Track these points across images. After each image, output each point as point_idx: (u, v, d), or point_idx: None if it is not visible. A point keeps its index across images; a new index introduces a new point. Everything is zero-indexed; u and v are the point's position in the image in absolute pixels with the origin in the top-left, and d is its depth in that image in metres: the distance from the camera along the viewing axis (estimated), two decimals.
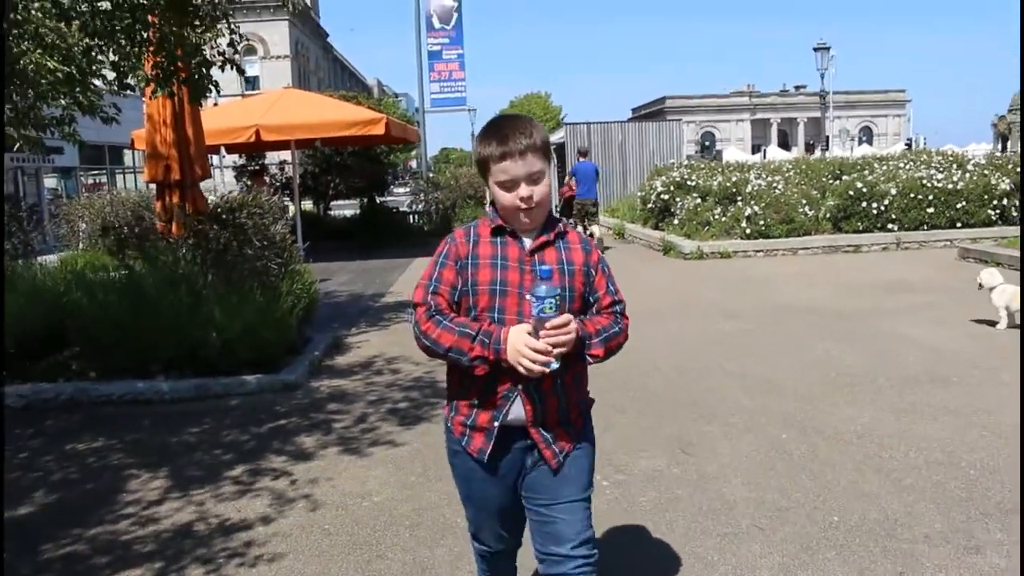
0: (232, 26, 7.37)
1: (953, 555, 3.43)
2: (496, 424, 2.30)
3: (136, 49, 7.16)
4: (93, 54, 7.25)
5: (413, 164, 48.23)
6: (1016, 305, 7.32)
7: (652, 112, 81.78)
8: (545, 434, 2.33)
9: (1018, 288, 7.36)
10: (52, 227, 18.08)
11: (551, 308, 2.11)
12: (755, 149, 69.37)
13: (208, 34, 7.20)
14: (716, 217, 15.80)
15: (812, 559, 3.46)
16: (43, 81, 9.92)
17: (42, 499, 4.49)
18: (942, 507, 3.90)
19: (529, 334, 2.15)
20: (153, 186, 17.91)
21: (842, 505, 3.98)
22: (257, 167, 20.57)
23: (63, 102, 11.68)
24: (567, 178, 18.29)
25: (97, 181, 37.87)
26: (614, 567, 3.43)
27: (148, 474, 4.79)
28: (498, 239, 2.32)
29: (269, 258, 7.15)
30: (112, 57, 7.34)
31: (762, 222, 15.13)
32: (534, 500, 2.38)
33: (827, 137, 50.23)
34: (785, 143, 78.81)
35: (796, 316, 8.70)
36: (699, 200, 16.71)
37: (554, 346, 2.12)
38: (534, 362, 2.13)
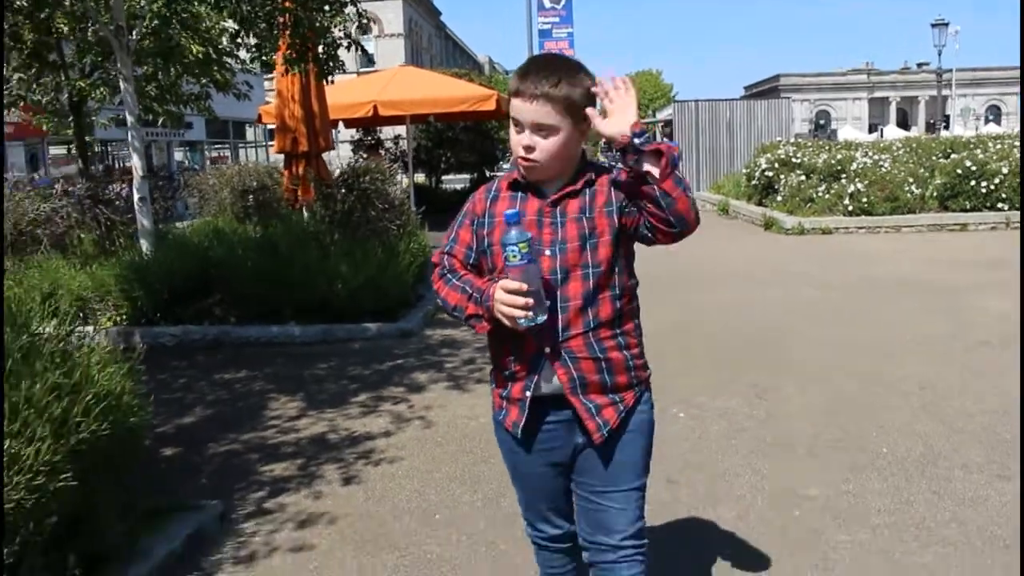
0: (360, 10, 8.12)
1: (985, 481, 3.87)
2: (528, 394, 2.11)
3: (275, 32, 7.97)
4: (238, 39, 8.07)
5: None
6: None
7: (765, 90, 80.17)
8: (587, 403, 2.10)
9: None
10: (184, 195, 19.46)
11: (515, 256, 1.93)
12: (872, 128, 67.50)
13: (338, 18, 7.94)
14: (819, 194, 15.90)
15: (856, 478, 3.96)
16: (185, 61, 10.98)
17: (201, 412, 5.34)
18: (985, 445, 4.32)
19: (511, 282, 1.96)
20: (275, 158, 19.06)
21: (893, 440, 4.44)
22: (373, 141, 21.56)
23: (202, 80, 12.80)
24: None
25: (221, 154, 39.88)
26: (680, 471, 4.01)
27: (286, 397, 5.60)
28: (518, 193, 2.13)
29: (390, 220, 7.91)
30: (252, 40, 8.16)
31: (865, 199, 15.18)
32: (583, 484, 2.21)
33: (947, 116, 48.69)
34: (904, 123, 76.24)
35: (885, 287, 8.97)
36: (803, 177, 16.82)
37: (508, 305, 1.94)
38: (511, 307, 1.95)
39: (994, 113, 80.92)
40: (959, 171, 15.39)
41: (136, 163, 8.33)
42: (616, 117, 1.95)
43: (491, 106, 15.85)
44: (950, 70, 53.07)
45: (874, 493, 3.79)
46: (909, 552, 3.25)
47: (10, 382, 2.59)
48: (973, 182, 15.22)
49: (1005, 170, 15.21)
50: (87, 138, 14.04)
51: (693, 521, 3.59)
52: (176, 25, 8.01)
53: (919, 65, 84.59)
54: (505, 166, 31.12)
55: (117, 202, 9.22)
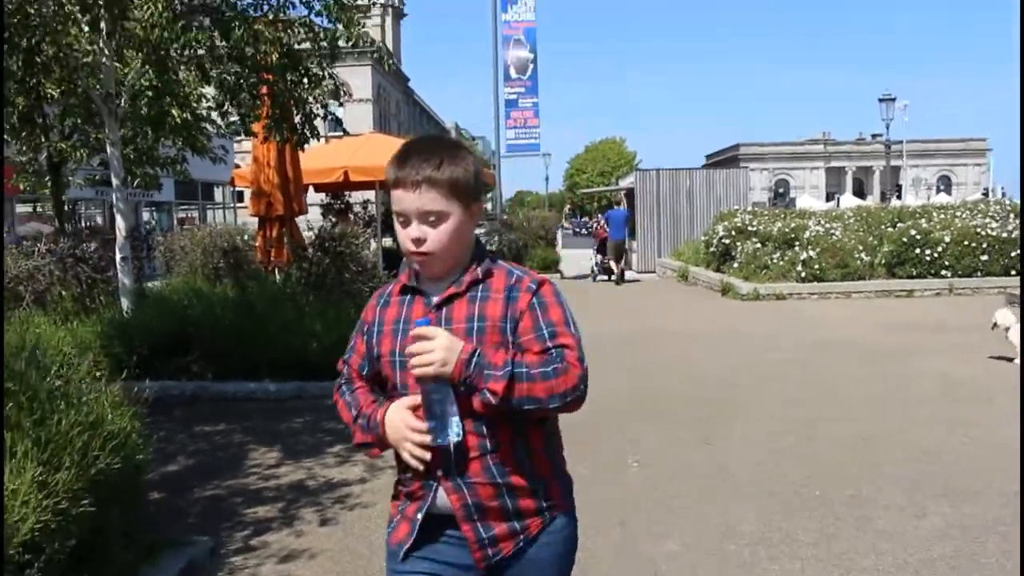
0: (337, 82, 8.65)
1: (904, 519, 4.31)
2: (419, 516, 1.89)
3: (256, 102, 8.44)
4: (224, 108, 8.53)
5: (488, 207, 50.15)
6: None
7: (726, 158, 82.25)
8: (482, 533, 1.86)
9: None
10: (155, 256, 19.71)
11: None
12: (829, 197, 69.27)
13: (317, 90, 8.44)
14: (774, 261, 16.59)
15: (788, 517, 4.37)
16: (168, 125, 11.42)
17: (184, 461, 5.64)
18: (908, 489, 4.76)
19: (412, 408, 1.82)
20: (244, 220, 19.41)
21: (826, 484, 4.88)
22: (342, 205, 22.03)
23: (178, 144, 13.25)
24: (600, 222, 21.18)
25: (188, 215, 40.15)
26: (632, 512, 4.40)
27: (265, 448, 5.92)
28: (406, 297, 1.95)
29: (363, 281, 8.32)
30: (237, 109, 8.62)
31: (817, 266, 15.88)
32: None
33: (899, 186, 50.42)
34: (860, 191, 78.45)
35: (835, 349, 9.51)
36: (759, 244, 17.52)
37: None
38: (412, 446, 1.81)
39: (945, 183, 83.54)
40: (905, 239, 16.18)
41: (120, 223, 8.70)
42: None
43: None
44: (900, 141, 55.11)
45: (804, 530, 4.21)
46: None
47: (40, 417, 2.95)
48: (918, 250, 16.00)
49: (947, 239, 16.03)
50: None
51: (643, 555, 3.98)
52: (169, 96, 8.45)
53: (873, 136, 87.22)
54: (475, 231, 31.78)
55: (100, 261, 9.54)
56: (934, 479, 4.93)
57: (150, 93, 8.27)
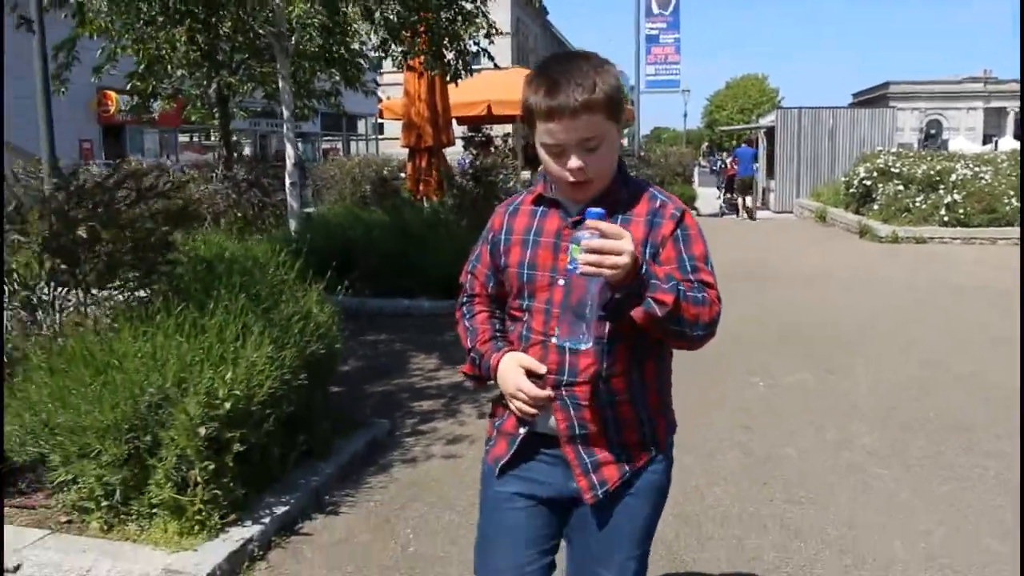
0: (490, 22, 9.15)
1: (1008, 444, 4.62)
2: (521, 431, 1.89)
3: (416, 39, 9.04)
4: (387, 45, 9.19)
5: (624, 142, 50.12)
6: None
7: (874, 98, 78.58)
8: (584, 457, 1.85)
9: None
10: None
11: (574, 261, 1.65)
12: (987, 140, 65.55)
13: (471, 28, 8.97)
14: (916, 204, 16.30)
15: (902, 436, 4.75)
16: (331, 61, 12.24)
17: (355, 364, 6.41)
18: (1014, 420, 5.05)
19: (526, 368, 1.81)
20: (385, 151, 20.31)
21: (941, 412, 5.21)
22: (483, 138, 22.69)
23: (335, 77, 14.11)
24: (730, 160, 21.95)
25: (333, 146, 41.82)
26: (754, 422, 4.87)
27: (423, 355, 6.64)
28: (539, 208, 1.90)
29: None
30: (399, 46, 9.26)
31: (962, 211, 15.54)
32: (575, 542, 1.99)
33: None
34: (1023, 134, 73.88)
35: (964, 293, 9.54)
36: (900, 187, 17.18)
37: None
38: (522, 403, 1.80)
39: None
40: None
41: (289, 151, 9.53)
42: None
43: None
44: None
45: (915, 447, 4.59)
46: (933, 485, 4.06)
47: (269, 305, 3.66)
48: None
49: None
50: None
51: (764, 455, 4.45)
52: (337, 33, 9.16)
53: None
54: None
55: (269, 186, 10.48)
56: None
57: (318, 31, 8.99)
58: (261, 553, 3.36)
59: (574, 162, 1.74)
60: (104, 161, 18.74)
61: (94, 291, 3.87)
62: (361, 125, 45.14)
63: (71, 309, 3.86)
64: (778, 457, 4.45)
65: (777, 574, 3.28)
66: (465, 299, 2.02)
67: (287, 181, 9.57)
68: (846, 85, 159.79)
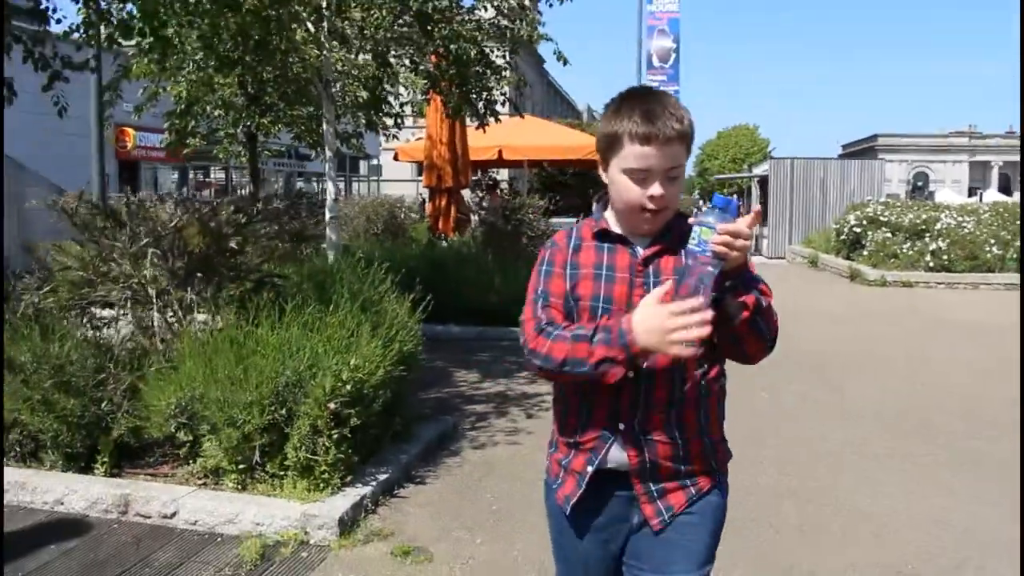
0: (520, 76, 10.07)
1: (959, 448, 5.42)
2: (590, 469, 1.90)
3: (454, 89, 9.94)
4: (426, 94, 10.09)
5: None
6: None
7: (863, 149, 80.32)
8: (651, 487, 1.90)
9: None
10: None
11: (698, 242, 1.69)
12: (972, 192, 66.97)
13: (503, 82, 9.87)
14: (903, 250, 17.24)
15: (889, 437, 5.56)
16: (349, 103, 13.16)
17: None
18: (1000, 429, 5.86)
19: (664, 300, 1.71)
20: (389, 191, 21.24)
21: (922, 423, 6.02)
22: (491, 182, 23.65)
23: (363, 120, 15.03)
24: None
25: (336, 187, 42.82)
26: (761, 429, 5.66)
27: (464, 371, 7.42)
28: (605, 244, 1.92)
29: (534, 246, 9.76)
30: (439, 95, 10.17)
31: (946, 257, 16.49)
32: (634, 568, 1.97)
33: None
34: (1007, 188, 75.45)
35: (950, 329, 10.40)
36: (889, 234, 18.14)
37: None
38: (688, 328, 1.66)
39: None
40: None
41: (330, 188, 10.35)
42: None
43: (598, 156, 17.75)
44: None
45: (879, 441, 5.40)
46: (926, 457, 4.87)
47: (376, 310, 4.46)
48: None
49: None
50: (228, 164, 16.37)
51: (754, 456, 5.25)
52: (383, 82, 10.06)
53: None
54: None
55: (306, 219, 11.30)
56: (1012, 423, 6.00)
57: (361, 81, 9.90)
58: (372, 508, 4.13)
59: (657, 189, 1.80)
60: (118, 194, 19.62)
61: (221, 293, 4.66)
62: (363, 166, 46.21)
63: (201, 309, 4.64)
64: (765, 456, 5.25)
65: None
66: (545, 325, 1.86)
67: (327, 215, 10.40)
68: (833, 135, 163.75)
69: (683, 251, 1.73)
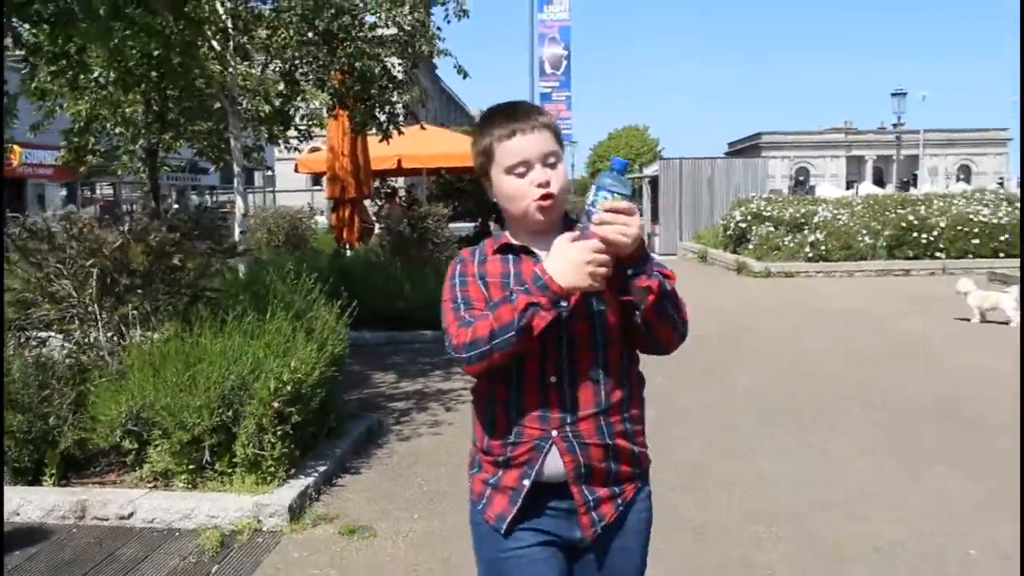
0: (422, 88, 10.53)
1: (828, 425, 6.16)
2: (526, 483, 1.85)
3: (359, 105, 10.33)
4: (333, 109, 10.45)
5: None
6: (986, 305, 9.88)
7: (748, 147, 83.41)
8: (588, 495, 1.87)
9: (986, 292, 9.92)
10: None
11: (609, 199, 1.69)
12: (849, 185, 70.22)
13: (406, 96, 10.32)
14: (785, 243, 18.37)
15: (760, 419, 6.25)
16: (251, 118, 13.41)
17: None
18: (860, 405, 6.63)
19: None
20: (281, 204, 21.35)
21: (801, 403, 6.75)
22: (389, 190, 24.00)
23: (265, 134, 15.20)
24: None
25: (229, 200, 42.42)
26: (655, 410, 6.30)
27: (381, 373, 7.85)
28: (509, 255, 1.92)
29: (441, 251, 10.23)
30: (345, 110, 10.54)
31: (823, 247, 17.66)
32: None
33: (914, 175, 51.90)
34: (880, 180, 79.44)
35: (829, 315, 11.34)
36: (771, 228, 19.28)
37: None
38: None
39: (965, 172, 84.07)
40: (904, 224, 17.91)
41: (239, 203, 10.63)
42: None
43: None
44: (917, 131, 56.49)
45: (781, 426, 6.10)
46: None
47: (306, 318, 4.87)
48: (915, 234, 17.73)
49: (943, 224, 17.74)
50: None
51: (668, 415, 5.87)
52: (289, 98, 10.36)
53: (894, 126, 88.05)
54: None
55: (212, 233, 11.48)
56: (881, 400, 6.79)
57: (264, 97, 10.18)
58: (316, 496, 4.55)
59: (538, 174, 1.82)
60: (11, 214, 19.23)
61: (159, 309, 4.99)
62: (257, 177, 45.75)
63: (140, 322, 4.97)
64: (679, 422, 5.89)
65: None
66: (467, 320, 1.81)
67: (236, 229, 10.63)
68: (723, 135, 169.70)
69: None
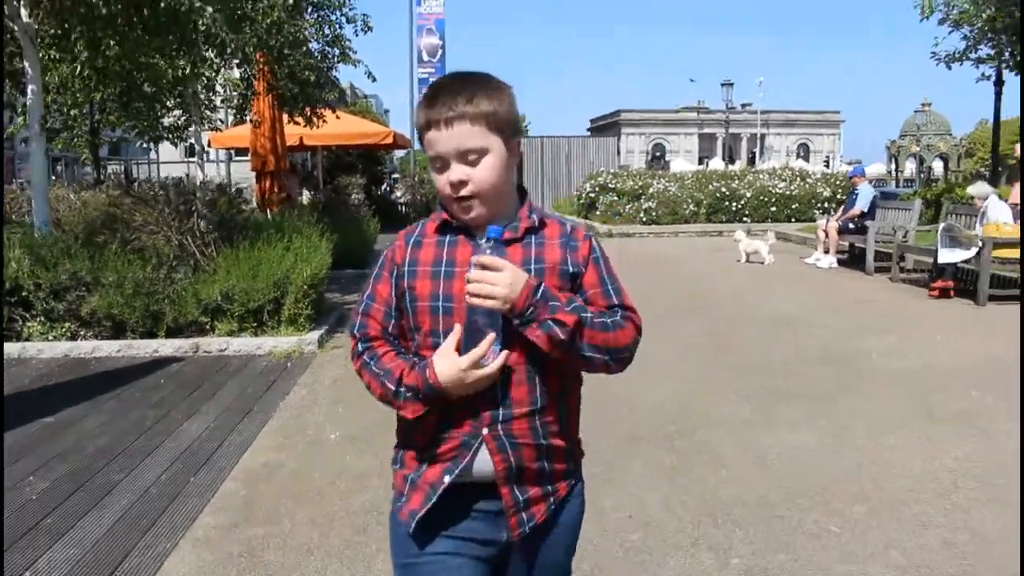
0: (341, 87, 13.83)
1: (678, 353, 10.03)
2: (447, 479, 1.71)
3: (286, 96, 13.56)
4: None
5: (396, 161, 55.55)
6: (750, 250, 14.10)
7: (608, 124, 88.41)
8: (518, 495, 1.73)
9: (751, 240, 14.15)
10: None
11: None
12: (700, 161, 75.80)
13: (332, 94, 13.67)
14: (625, 210, 22.48)
15: None
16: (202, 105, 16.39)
17: None
18: (679, 320, 10.53)
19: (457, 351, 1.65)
20: (169, 174, 24.37)
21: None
22: (290, 165, 26.93)
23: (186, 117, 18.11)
24: None
25: (115, 171, 43.79)
26: None
27: (329, 293, 11.24)
28: (446, 238, 1.76)
29: (357, 211, 13.65)
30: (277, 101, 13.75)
31: (655, 213, 21.85)
32: None
33: (753, 152, 57.92)
34: (730, 157, 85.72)
35: (649, 261, 15.35)
36: (615, 197, 23.39)
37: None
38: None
39: (804, 150, 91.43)
40: (718, 195, 22.31)
41: (199, 173, 13.71)
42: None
43: (389, 140, 21.71)
44: (756, 111, 62.55)
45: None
46: None
47: (311, 244, 8.36)
48: (727, 203, 22.15)
49: (748, 195, 22.22)
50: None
51: None
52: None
53: (743, 106, 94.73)
54: (398, 193, 36.22)
55: None
56: (690, 312, 10.69)
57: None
58: (329, 337, 8.03)
59: (453, 173, 1.68)
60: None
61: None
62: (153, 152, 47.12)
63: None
64: None
65: None
66: (362, 347, 1.79)
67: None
68: (587, 111, 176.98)
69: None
